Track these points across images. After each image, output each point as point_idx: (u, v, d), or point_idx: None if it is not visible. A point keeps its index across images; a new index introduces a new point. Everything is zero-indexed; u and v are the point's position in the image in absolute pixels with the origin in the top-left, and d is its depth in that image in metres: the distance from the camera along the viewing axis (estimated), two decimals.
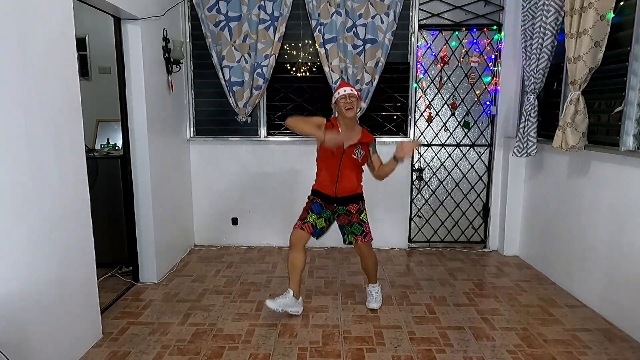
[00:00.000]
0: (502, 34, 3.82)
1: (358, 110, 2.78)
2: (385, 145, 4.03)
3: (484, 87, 3.96)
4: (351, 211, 2.79)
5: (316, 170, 2.86)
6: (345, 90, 2.67)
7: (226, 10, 3.79)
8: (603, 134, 2.90)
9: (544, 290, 3.20)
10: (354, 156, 2.74)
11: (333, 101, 2.75)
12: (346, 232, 2.85)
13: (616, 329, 2.63)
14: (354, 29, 3.80)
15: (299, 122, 2.66)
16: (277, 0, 3.75)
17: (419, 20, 3.84)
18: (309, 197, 2.88)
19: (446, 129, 4.04)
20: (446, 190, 4.14)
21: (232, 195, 4.17)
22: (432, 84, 3.97)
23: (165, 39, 3.44)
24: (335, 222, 2.90)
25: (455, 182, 4.13)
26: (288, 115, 4.05)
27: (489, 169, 4.08)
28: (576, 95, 2.79)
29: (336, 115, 2.84)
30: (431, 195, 4.16)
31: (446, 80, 3.96)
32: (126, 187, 3.22)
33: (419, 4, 3.82)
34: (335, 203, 2.81)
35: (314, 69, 3.98)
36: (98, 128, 3.90)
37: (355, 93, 2.70)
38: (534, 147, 3.36)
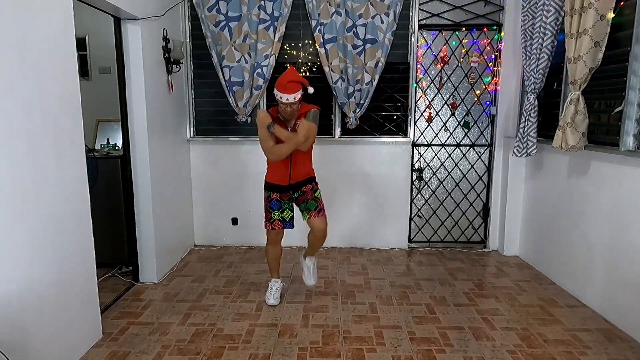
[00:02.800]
0: (502, 34, 3.82)
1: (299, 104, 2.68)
2: (385, 145, 4.05)
3: (484, 87, 3.96)
4: (306, 191, 2.84)
5: (267, 160, 2.83)
6: (287, 99, 2.56)
7: (226, 10, 3.79)
8: (603, 134, 2.90)
9: (544, 290, 3.20)
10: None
11: (275, 93, 2.62)
12: (302, 210, 2.87)
13: (616, 329, 2.63)
14: (354, 29, 3.80)
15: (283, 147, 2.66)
16: (277, 0, 3.75)
17: (419, 20, 3.84)
18: (265, 194, 2.88)
19: (446, 129, 4.04)
20: (446, 190, 4.14)
21: (232, 195, 4.17)
22: (432, 84, 3.97)
23: (165, 39, 3.44)
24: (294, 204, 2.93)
25: (455, 182, 4.13)
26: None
27: (489, 169, 4.08)
28: (576, 95, 2.79)
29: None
30: (431, 195, 4.16)
31: (446, 80, 3.96)
32: (126, 187, 3.22)
33: (419, 4, 3.82)
34: (290, 190, 2.83)
35: (314, 69, 3.98)
36: (98, 128, 3.90)
37: (297, 99, 2.58)
38: (534, 147, 3.36)
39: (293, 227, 2.91)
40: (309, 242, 2.96)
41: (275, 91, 2.62)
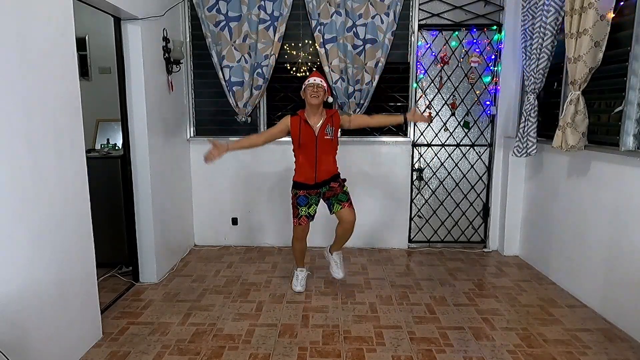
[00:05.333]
0: (502, 34, 3.82)
1: (324, 100, 2.94)
2: (385, 145, 4.05)
3: (484, 87, 3.96)
4: (334, 187, 2.99)
5: (294, 160, 3.02)
6: (315, 80, 2.86)
7: (226, 10, 3.79)
8: (603, 134, 2.90)
9: (544, 290, 3.20)
10: (327, 136, 2.90)
11: (302, 89, 2.93)
12: (333, 202, 3.00)
13: (616, 329, 2.63)
14: (354, 29, 3.80)
15: (243, 140, 3.05)
16: (277, 0, 3.75)
17: (419, 20, 3.84)
18: (292, 192, 3.04)
19: (446, 129, 4.04)
20: (446, 190, 4.14)
21: (232, 195, 4.17)
22: (432, 84, 3.97)
23: (165, 39, 3.44)
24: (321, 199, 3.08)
25: (455, 182, 4.13)
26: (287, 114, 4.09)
27: (489, 169, 4.08)
28: (576, 95, 2.79)
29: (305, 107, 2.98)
30: (431, 195, 4.16)
31: (446, 80, 3.96)
32: (126, 187, 3.22)
33: (419, 4, 3.82)
34: (317, 188, 2.98)
35: (314, 69, 3.98)
36: (98, 128, 3.90)
37: (324, 85, 2.88)
38: (534, 147, 3.36)
39: (314, 219, 3.07)
40: (338, 235, 3.09)
41: (304, 85, 2.91)
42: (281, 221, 4.16)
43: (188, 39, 3.95)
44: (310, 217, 3.04)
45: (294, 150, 3.01)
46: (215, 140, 2.91)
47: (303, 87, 2.92)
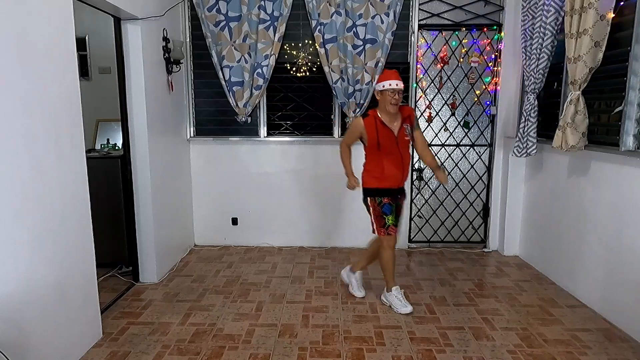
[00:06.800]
0: (502, 34, 3.82)
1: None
2: None
3: (484, 87, 3.96)
4: (403, 195, 2.91)
5: (367, 167, 2.84)
6: (397, 84, 2.68)
7: (226, 10, 3.79)
8: (603, 134, 2.90)
9: (544, 290, 3.20)
10: (407, 137, 2.80)
11: (378, 89, 2.74)
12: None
13: (616, 329, 2.63)
14: (354, 29, 3.80)
15: (341, 157, 2.91)
16: (277, 0, 3.75)
17: (419, 20, 3.84)
18: (373, 200, 2.81)
19: (446, 129, 4.04)
20: (446, 190, 4.14)
21: (232, 195, 4.17)
22: (432, 84, 3.97)
23: (165, 39, 3.44)
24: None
25: (455, 182, 4.13)
26: (288, 116, 4.09)
27: (489, 169, 4.07)
28: (576, 95, 2.79)
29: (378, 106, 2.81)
30: (431, 195, 4.16)
31: (446, 80, 3.96)
32: (126, 187, 3.22)
33: (419, 4, 3.82)
34: (398, 194, 2.86)
35: (314, 69, 3.98)
36: (98, 128, 3.90)
37: (402, 86, 2.72)
38: (534, 147, 3.36)
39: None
40: (371, 253, 2.99)
41: (381, 83, 2.72)
42: (281, 221, 4.16)
43: (188, 39, 3.95)
44: (396, 226, 2.82)
45: (367, 154, 2.82)
46: (349, 177, 2.89)
47: (380, 87, 2.70)
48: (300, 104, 4.05)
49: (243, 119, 3.96)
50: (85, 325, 2.40)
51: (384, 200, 2.77)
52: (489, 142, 4.06)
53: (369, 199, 2.84)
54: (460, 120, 4.03)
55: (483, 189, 4.13)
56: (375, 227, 2.84)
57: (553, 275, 3.38)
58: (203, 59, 3.98)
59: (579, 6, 2.71)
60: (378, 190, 2.80)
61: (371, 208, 2.83)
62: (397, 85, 2.67)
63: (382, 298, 2.98)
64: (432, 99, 4.00)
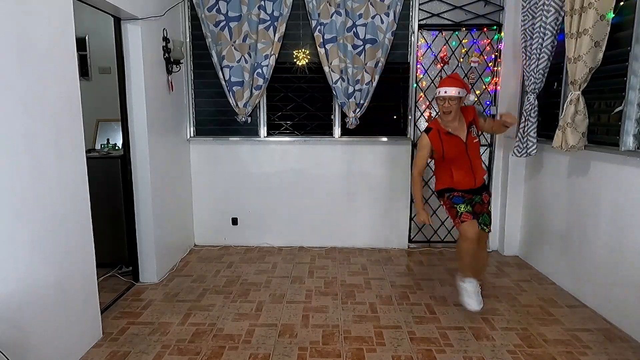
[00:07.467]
0: (502, 34, 3.82)
1: (463, 103, 2.73)
2: (385, 145, 4.05)
3: (484, 87, 3.96)
4: (484, 201, 2.86)
5: (437, 174, 2.90)
6: (446, 92, 2.61)
7: (226, 10, 3.79)
8: (603, 134, 2.90)
9: (544, 290, 3.20)
10: (475, 140, 2.78)
11: (435, 96, 2.74)
12: (479, 222, 2.82)
13: (616, 329, 2.63)
14: (354, 29, 3.80)
15: (412, 189, 2.90)
16: (277, 0, 3.75)
17: (419, 20, 3.84)
18: (444, 198, 2.83)
19: None
20: None
21: (232, 195, 4.17)
22: (432, 84, 3.97)
23: (165, 39, 3.44)
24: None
25: None
26: (288, 116, 4.09)
27: (489, 169, 4.07)
28: (576, 95, 2.79)
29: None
30: (431, 195, 4.15)
31: None
32: (126, 187, 3.22)
33: (419, 4, 3.82)
34: (472, 193, 2.83)
35: (314, 69, 3.98)
36: (98, 128, 3.90)
37: (455, 94, 2.60)
38: (534, 147, 3.36)
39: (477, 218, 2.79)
40: (475, 259, 2.87)
41: (436, 92, 2.70)
42: (281, 221, 4.16)
43: (188, 39, 3.95)
44: (474, 214, 2.70)
45: (436, 163, 2.87)
46: (419, 212, 2.83)
47: (436, 94, 2.69)
48: (300, 104, 4.05)
49: (243, 119, 3.96)
50: (85, 325, 2.40)
51: (453, 193, 2.79)
52: (489, 142, 4.06)
53: (441, 199, 2.91)
54: None
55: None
56: (453, 221, 2.81)
57: (553, 275, 3.38)
58: (203, 59, 3.98)
59: (579, 6, 2.71)
60: (446, 189, 2.84)
61: (444, 206, 2.89)
62: (445, 92, 2.60)
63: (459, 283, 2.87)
64: (432, 99, 4.00)
